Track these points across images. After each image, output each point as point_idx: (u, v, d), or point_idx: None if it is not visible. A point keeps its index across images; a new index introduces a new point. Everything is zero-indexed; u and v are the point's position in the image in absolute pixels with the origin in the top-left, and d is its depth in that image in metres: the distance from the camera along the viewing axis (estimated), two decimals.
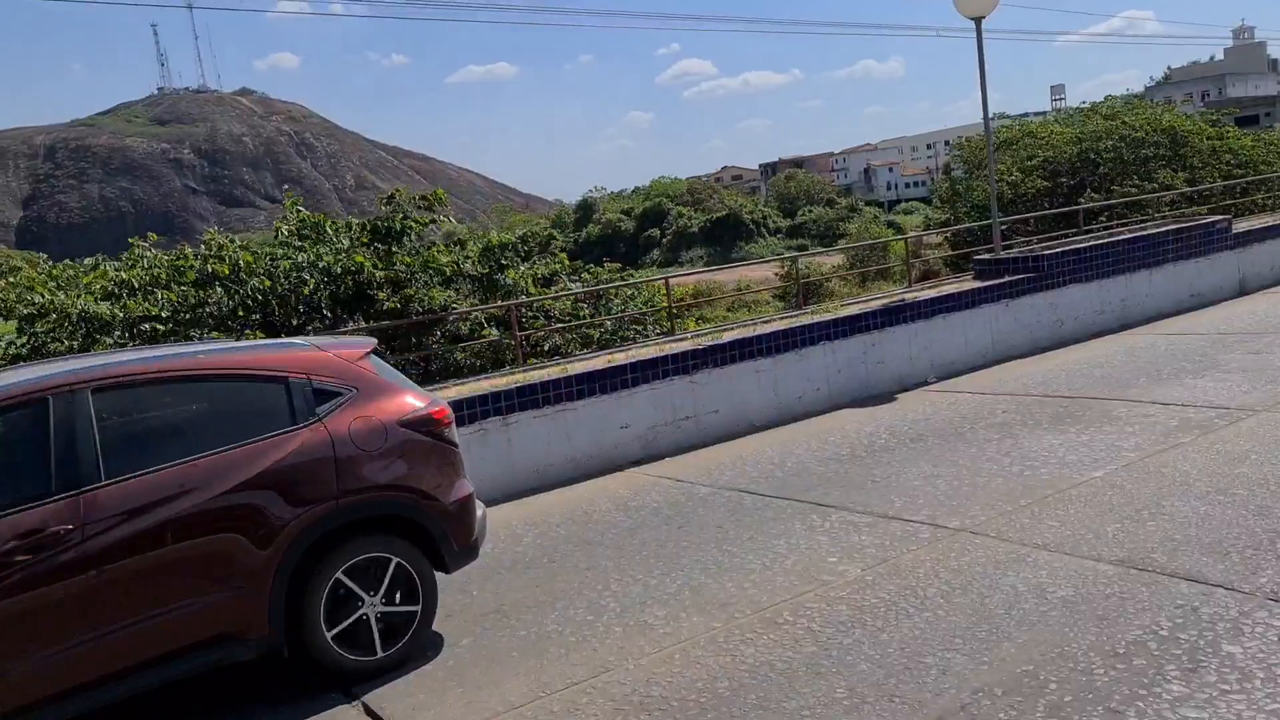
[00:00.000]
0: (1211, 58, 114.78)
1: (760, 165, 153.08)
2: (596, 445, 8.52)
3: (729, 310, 49.18)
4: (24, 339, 9.89)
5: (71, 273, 10.53)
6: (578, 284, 13.19)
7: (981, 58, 11.68)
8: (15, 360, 10.26)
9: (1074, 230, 23.86)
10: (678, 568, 5.93)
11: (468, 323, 10.95)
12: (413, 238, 11.29)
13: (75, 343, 9.84)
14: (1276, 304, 12.69)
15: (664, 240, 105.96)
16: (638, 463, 8.68)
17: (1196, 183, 35.15)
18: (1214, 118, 48.80)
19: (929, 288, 11.83)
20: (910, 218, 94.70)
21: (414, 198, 12.19)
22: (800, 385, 9.76)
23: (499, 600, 5.74)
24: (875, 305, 10.50)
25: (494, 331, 11.06)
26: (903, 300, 10.63)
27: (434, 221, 12.17)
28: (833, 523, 6.41)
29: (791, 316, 10.77)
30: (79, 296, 9.30)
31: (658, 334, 12.12)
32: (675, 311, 13.06)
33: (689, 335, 10.19)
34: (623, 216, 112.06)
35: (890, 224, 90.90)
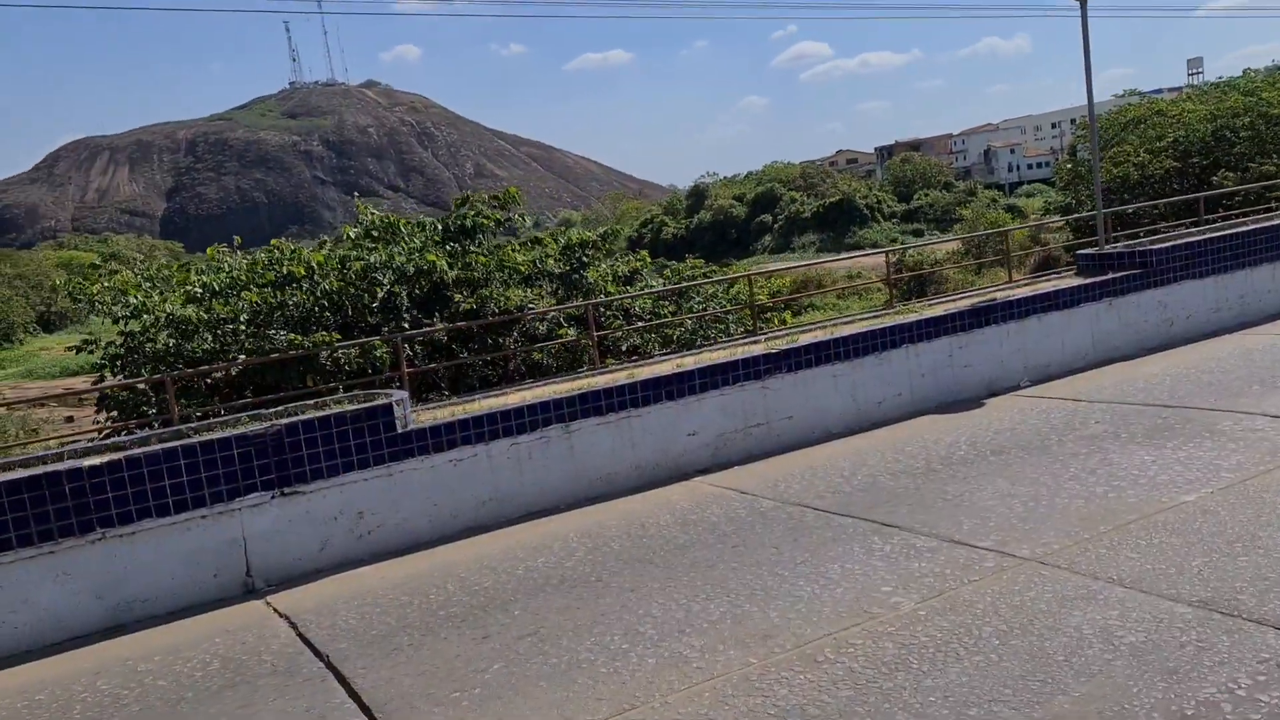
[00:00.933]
0: None
1: (876, 148, 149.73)
2: (663, 453, 8.32)
3: (839, 298, 48.32)
4: (121, 339, 10.27)
5: (167, 273, 10.86)
6: (659, 281, 12.99)
7: (1086, 39, 10.97)
8: (114, 359, 10.66)
9: (1206, 215, 22.49)
10: (724, 592, 5.69)
11: (545, 322, 10.88)
12: (488, 236, 11.28)
13: (171, 343, 10.15)
14: None
15: (775, 226, 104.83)
16: (705, 471, 8.45)
17: None
18: None
19: (1025, 285, 11.21)
20: (1032, 200, 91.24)
21: (486, 197, 12.18)
22: (880, 390, 9.36)
23: (538, 622, 5.61)
24: (963, 305, 9.99)
25: (571, 331, 10.96)
26: (993, 300, 10.09)
27: (509, 220, 12.13)
28: (893, 546, 6.07)
29: (874, 317, 10.34)
30: (165, 300, 9.60)
31: (741, 332, 11.83)
32: (762, 309, 12.72)
33: (762, 338, 9.88)
34: (734, 202, 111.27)
35: (1010, 208, 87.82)
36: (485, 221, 11.33)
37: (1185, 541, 5.53)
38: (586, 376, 8.92)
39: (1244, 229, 11.73)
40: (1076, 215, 36.88)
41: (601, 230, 12.85)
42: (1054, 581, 5.24)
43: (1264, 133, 35.86)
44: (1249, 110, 36.87)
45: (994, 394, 9.90)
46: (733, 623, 5.26)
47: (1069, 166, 48.99)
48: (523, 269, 11.25)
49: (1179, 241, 11.26)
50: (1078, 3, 10.89)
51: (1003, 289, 11.38)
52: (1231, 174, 34.91)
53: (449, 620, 5.81)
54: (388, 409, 7.13)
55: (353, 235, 10.92)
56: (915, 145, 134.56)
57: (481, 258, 10.80)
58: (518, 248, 12.05)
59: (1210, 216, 22.48)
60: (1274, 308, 11.82)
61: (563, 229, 13.22)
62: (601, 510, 7.72)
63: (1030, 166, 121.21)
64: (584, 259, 11.93)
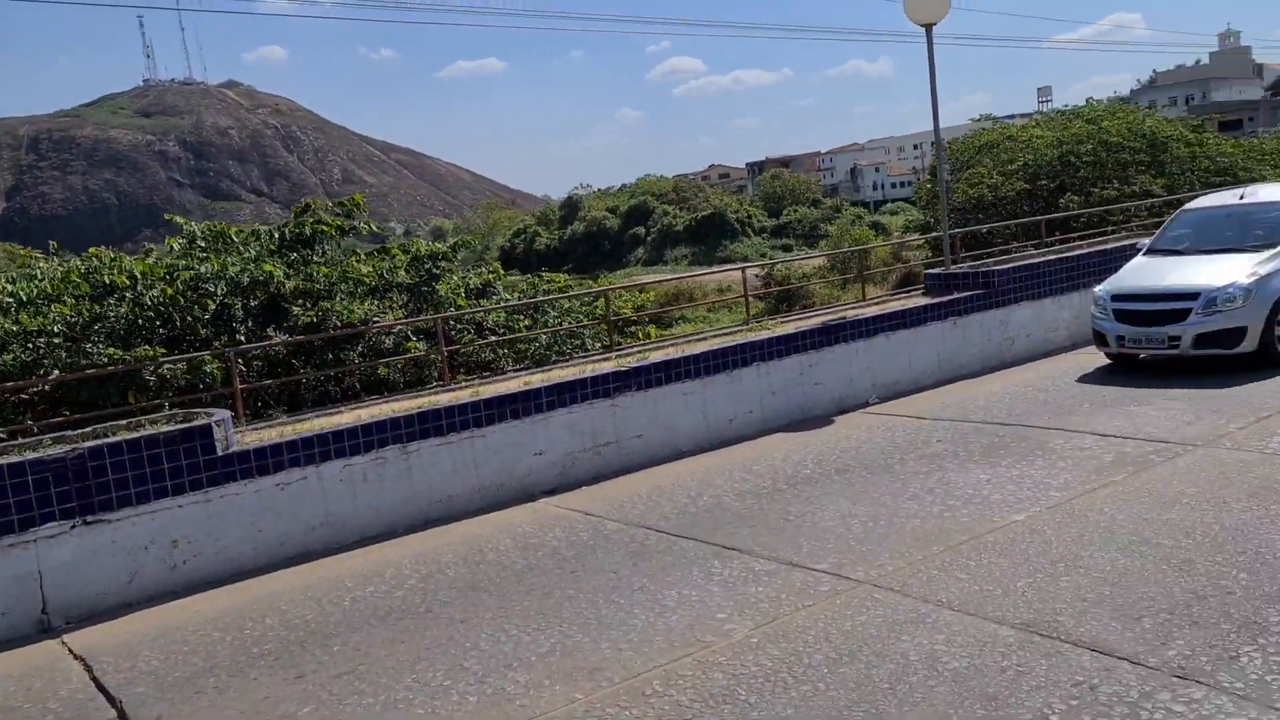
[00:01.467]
0: (1197, 62, 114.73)
1: (747, 164, 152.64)
2: (508, 473, 8.06)
3: (710, 311, 48.80)
4: None
5: None
6: (514, 295, 12.71)
7: (932, 64, 11.26)
8: None
9: (1052, 236, 23.49)
10: (557, 621, 5.48)
11: (392, 336, 10.48)
12: (329, 246, 10.80)
13: None
14: None
15: (649, 239, 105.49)
16: (553, 491, 8.23)
17: (1175, 189, 34.83)
18: (1195, 123, 48.60)
19: (875, 304, 11.40)
20: (895, 218, 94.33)
21: (329, 204, 11.69)
22: (731, 408, 9.32)
23: (358, 659, 5.28)
24: (814, 323, 10.08)
25: (420, 346, 10.58)
26: (843, 319, 10.21)
27: (354, 229, 11.67)
28: (733, 570, 5.97)
29: (727, 334, 10.33)
30: None
31: (599, 348, 11.67)
32: (621, 325, 12.59)
33: (614, 355, 9.74)
34: (608, 214, 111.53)
35: (875, 225, 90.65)
36: (325, 229, 10.84)
37: (1012, 562, 5.61)
38: (430, 394, 8.59)
39: (1078, 253, 12.24)
40: (933, 234, 38.22)
41: (452, 242, 12.48)
42: (885, 605, 5.22)
43: (1104, 159, 37.84)
44: (1091, 138, 38.91)
45: (844, 411, 10.00)
46: (562, 655, 5.05)
47: (928, 186, 50.83)
48: (368, 280, 10.81)
49: (1019, 263, 11.65)
50: (924, 29, 11.16)
51: (854, 307, 11.55)
52: (1076, 197, 36.72)
53: (262, 658, 5.43)
54: (206, 430, 6.67)
55: (177, 246, 10.26)
56: (785, 162, 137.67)
57: (324, 268, 10.32)
58: (362, 258, 11.59)
59: (1050, 239, 23.46)
60: None
61: (416, 239, 12.76)
62: (440, 534, 7.42)
63: (894, 185, 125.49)
64: (434, 270, 11.57)
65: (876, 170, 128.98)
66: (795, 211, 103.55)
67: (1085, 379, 10.19)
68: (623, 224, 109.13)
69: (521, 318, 12.09)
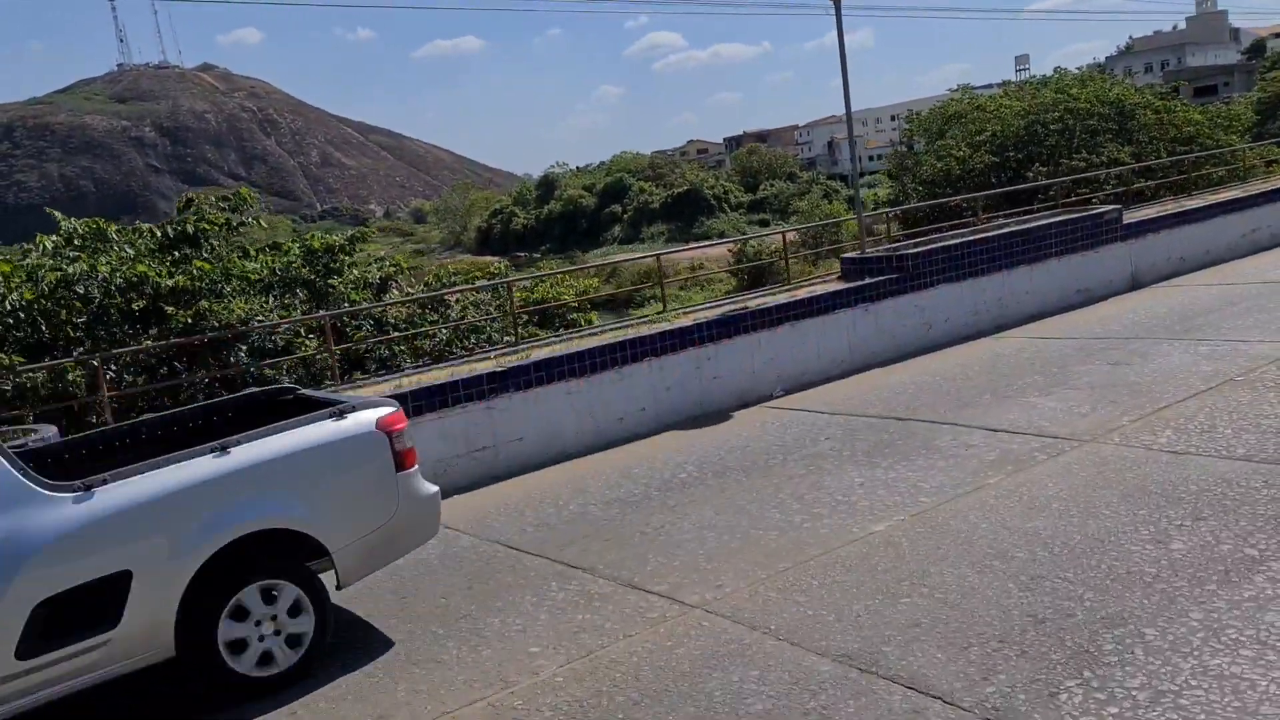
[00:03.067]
0: (1175, 28, 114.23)
1: (725, 139, 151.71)
2: None
3: (681, 289, 48.34)
4: None
5: None
6: (418, 288, 12.26)
7: (841, 40, 10.81)
8: None
9: (1020, 208, 23.05)
10: (367, 656, 5.10)
11: (283, 335, 10.02)
12: (215, 243, 10.30)
13: None
14: (1162, 300, 11.94)
15: (625, 216, 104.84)
16: None
17: (1142, 157, 34.46)
18: (1162, 90, 48.16)
19: (782, 290, 10.98)
20: (872, 191, 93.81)
21: (214, 199, 11.17)
22: (622, 407, 8.93)
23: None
24: (711, 314, 9.67)
25: (310, 344, 10.13)
26: (744, 308, 9.80)
27: (242, 225, 11.17)
28: (568, 593, 5.59)
29: (619, 328, 9.91)
30: None
31: (505, 342, 11.23)
32: (525, 318, 12.15)
33: (491, 354, 9.31)
34: (584, 193, 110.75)
35: (851, 199, 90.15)
36: (209, 227, 10.32)
37: (857, 580, 5.24)
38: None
39: (1000, 232, 11.84)
40: (903, 207, 37.87)
41: (351, 233, 12.00)
42: (710, 634, 4.85)
43: (1073, 127, 37.41)
44: (1058, 107, 38.42)
45: (745, 405, 9.62)
46: (355, 700, 4.67)
47: (895, 161, 50.36)
48: (252, 277, 10.31)
49: (936, 245, 11.25)
50: (832, 3, 10.71)
51: (758, 295, 11.13)
52: (1044, 168, 36.31)
53: None
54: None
55: (50, 245, 9.73)
56: (762, 136, 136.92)
57: (206, 266, 9.82)
58: (248, 253, 11.10)
59: (1018, 212, 23.01)
60: (1034, 309, 11.98)
61: (312, 234, 12.24)
62: None
63: (871, 158, 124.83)
64: (331, 265, 11.10)
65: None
66: (772, 186, 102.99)
67: (998, 365, 9.82)
68: (599, 202, 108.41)
69: (431, 312, 11.64)
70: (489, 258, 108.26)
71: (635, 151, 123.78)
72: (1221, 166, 30.98)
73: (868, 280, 10.71)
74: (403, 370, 10.17)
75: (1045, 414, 7.86)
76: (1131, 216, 13.47)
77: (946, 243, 11.35)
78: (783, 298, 10.29)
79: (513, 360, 8.53)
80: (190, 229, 10.27)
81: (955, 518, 5.93)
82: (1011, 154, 39.73)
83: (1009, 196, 27.24)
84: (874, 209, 60.95)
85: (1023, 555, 5.28)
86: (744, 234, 72.57)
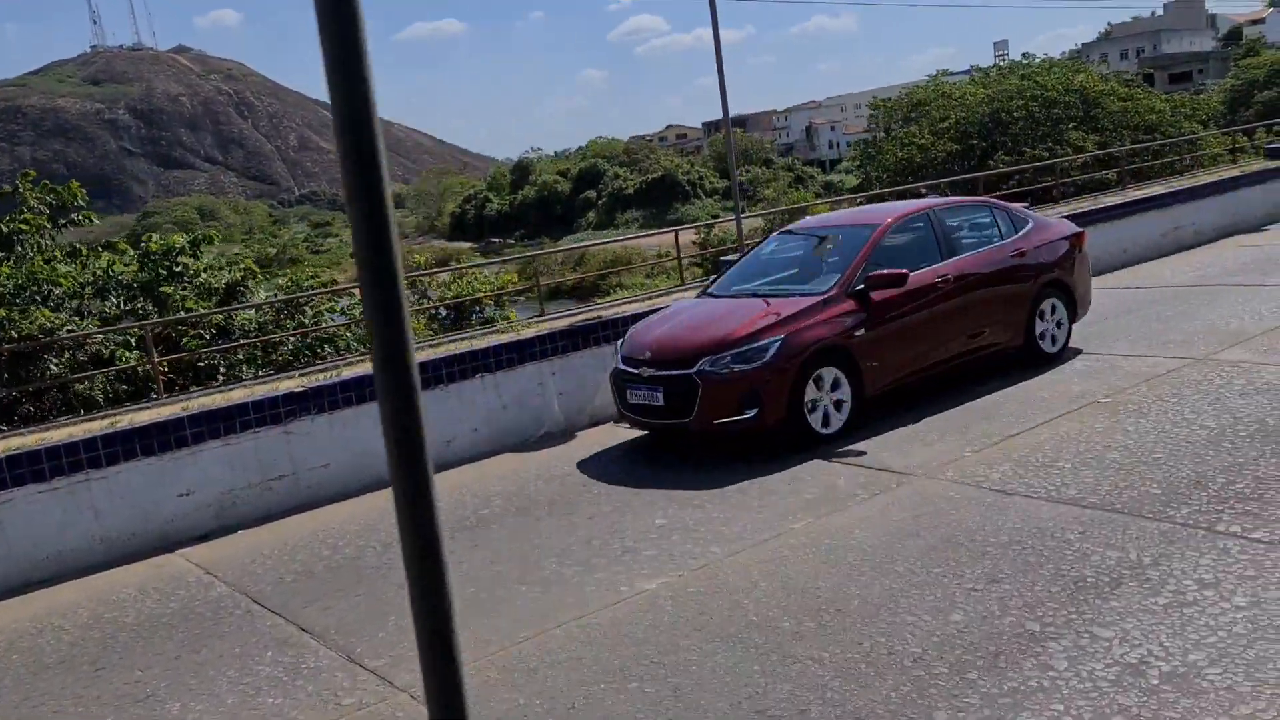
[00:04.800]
0: (1154, 14, 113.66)
1: (704, 124, 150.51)
2: (143, 520, 6.92)
3: (647, 277, 47.55)
4: None
5: None
6: (273, 293, 11.46)
7: (716, 32, 10.07)
8: None
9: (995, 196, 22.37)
10: None
11: (99, 346, 9.23)
12: (31, 244, 9.50)
13: None
14: None
15: (600, 202, 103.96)
16: (206, 537, 7.09)
17: (1107, 145, 33.86)
18: (1128, 77, 47.58)
19: (640, 299, 10.27)
20: (850, 178, 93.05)
21: (37, 194, 10.32)
22: (450, 428, 8.20)
23: None
24: (560, 325, 8.94)
25: (132, 355, 9.32)
26: (598, 317, 9.08)
27: (68, 223, 10.35)
28: (277, 668, 4.87)
29: (452, 340, 9.15)
30: None
31: (358, 352, 10.47)
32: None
33: (296, 373, 8.55)
34: (559, 178, 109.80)
35: (828, 185, 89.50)
36: (25, 228, 9.51)
37: (595, 656, 4.54)
38: (63, 426, 7.38)
39: None
40: (868, 193, 37.30)
41: (193, 235, 11.16)
42: None
43: (1038, 115, 36.71)
44: (1024, 94, 37.69)
45: (596, 423, 8.90)
46: None
47: (860, 148, 49.69)
48: (64, 283, 9.49)
49: None
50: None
51: (615, 304, 10.38)
52: (1007, 157, 35.62)
53: None
54: None
55: None
56: (741, 121, 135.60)
57: (5, 270, 8.99)
58: (61, 258, 10.28)
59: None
60: None
61: (152, 236, 11.37)
62: (25, 602, 6.26)
63: (849, 144, 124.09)
64: (170, 268, 10.27)
65: (832, 129, 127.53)
66: (748, 172, 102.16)
67: None
68: (574, 188, 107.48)
69: (290, 319, 10.85)
70: (462, 243, 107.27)
71: (611, 137, 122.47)
72: (1185, 154, 30.43)
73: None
74: (242, 381, 9.42)
75: (891, 442, 7.16)
76: (1039, 214, 12.72)
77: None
78: (640, 306, 9.55)
79: (320, 379, 7.78)
80: (4, 229, 9.45)
81: (738, 574, 5.23)
82: (976, 142, 39.07)
83: (970, 185, 26.57)
84: (837, 197, 60.31)
85: (787, 625, 4.59)
86: (717, 219, 71.82)
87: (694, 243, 45.30)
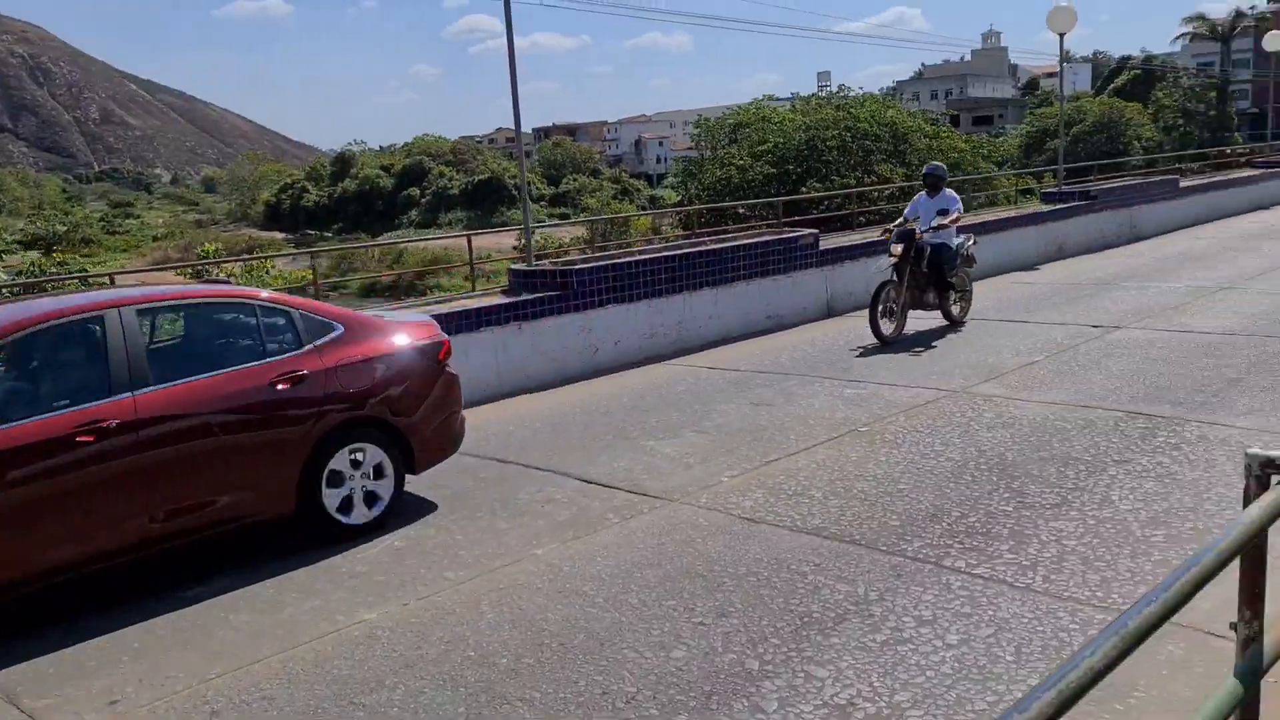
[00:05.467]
0: (962, 58, 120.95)
1: (535, 129, 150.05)
2: None
3: (465, 279, 46.67)
4: None
5: None
6: (11, 276, 10.39)
7: (512, 53, 9.82)
8: None
9: (787, 219, 22.90)
10: None
11: None
12: None
13: None
14: (846, 331, 11.49)
15: (423, 200, 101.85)
16: None
17: (913, 178, 35.47)
18: (934, 116, 50.34)
19: (438, 303, 9.87)
20: (671, 193, 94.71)
21: None
22: None
23: None
24: None
25: None
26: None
27: None
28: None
29: None
30: None
31: None
32: None
33: None
34: (382, 173, 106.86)
35: (653, 199, 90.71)
36: None
37: (289, 697, 4.16)
38: None
39: (682, 251, 11.13)
40: (686, 209, 37.86)
41: None
42: None
43: (851, 146, 38.20)
44: (838, 124, 39.16)
45: None
46: None
47: (681, 166, 50.52)
48: None
49: (606, 263, 10.40)
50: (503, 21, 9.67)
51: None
52: (819, 184, 36.88)
53: None
54: None
55: None
56: (572, 130, 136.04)
57: None
58: None
59: (789, 222, 22.81)
60: (717, 334, 11.34)
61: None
62: None
63: (673, 160, 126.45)
64: None
65: (660, 144, 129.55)
66: (575, 181, 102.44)
67: (646, 398, 8.99)
68: (397, 184, 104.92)
69: None
70: (276, 234, 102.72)
71: (439, 135, 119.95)
72: (981, 192, 32.35)
73: (526, 296, 9.73)
74: None
75: (655, 463, 7.04)
76: (829, 242, 13.10)
77: (618, 260, 10.51)
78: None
79: None
80: None
81: (466, 603, 4.94)
82: (791, 167, 40.29)
83: (789, 206, 27.26)
84: (660, 210, 61.09)
85: (505, 661, 4.33)
86: (542, 225, 71.65)
87: (515, 248, 44.98)
